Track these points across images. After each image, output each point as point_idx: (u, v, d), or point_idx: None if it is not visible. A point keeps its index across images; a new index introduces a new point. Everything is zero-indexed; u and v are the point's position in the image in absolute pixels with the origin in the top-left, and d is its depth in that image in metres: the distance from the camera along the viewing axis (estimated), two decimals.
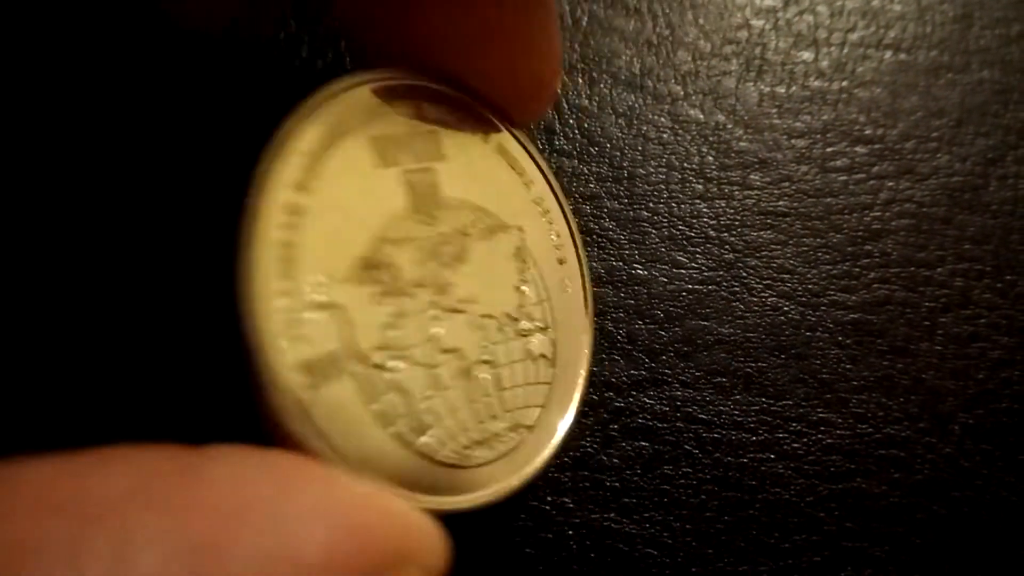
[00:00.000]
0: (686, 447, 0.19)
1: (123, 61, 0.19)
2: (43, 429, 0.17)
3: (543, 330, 0.17)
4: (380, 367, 0.15)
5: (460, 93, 0.17)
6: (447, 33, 0.16)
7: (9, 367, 0.18)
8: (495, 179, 0.18)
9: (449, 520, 0.14)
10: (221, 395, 0.17)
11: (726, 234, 0.20)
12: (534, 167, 0.18)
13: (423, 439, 0.15)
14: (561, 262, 0.18)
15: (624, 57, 0.21)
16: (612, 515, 0.18)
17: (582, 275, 0.18)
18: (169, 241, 0.19)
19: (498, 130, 0.18)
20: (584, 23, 0.22)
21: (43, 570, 0.09)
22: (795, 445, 0.19)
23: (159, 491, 0.10)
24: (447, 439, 0.16)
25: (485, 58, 0.16)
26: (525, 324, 0.17)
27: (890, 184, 0.21)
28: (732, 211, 0.20)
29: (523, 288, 0.17)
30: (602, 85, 0.21)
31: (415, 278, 0.16)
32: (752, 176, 0.21)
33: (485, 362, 0.17)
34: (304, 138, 0.15)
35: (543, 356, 0.17)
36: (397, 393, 0.15)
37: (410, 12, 0.16)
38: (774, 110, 0.21)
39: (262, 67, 0.20)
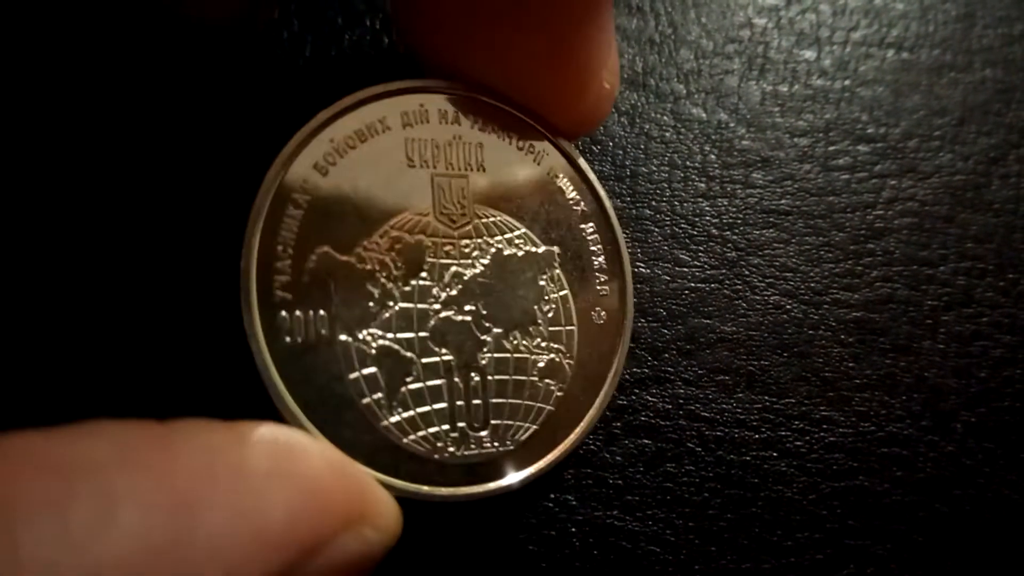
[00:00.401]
0: (689, 445, 0.19)
1: (126, 53, 0.19)
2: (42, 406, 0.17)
3: (560, 354, 0.17)
4: (366, 343, 0.16)
5: (518, 112, 0.18)
6: (502, 54, 0.16)
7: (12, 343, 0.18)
8: (539, 198, 0.18)
9: (413, 507, 0.15)
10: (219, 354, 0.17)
11: (729, 232, 0.20)
12: (589, 195, 0.18)
13: (393, 418, 0.16)
14: (601, 290, 0.18)
15: (627, 56, 0.21)
16: (615, 512, 0.18)
17: (623, 306, 0.18)
18: (174, 221, 0.19)
19: (553, 153, 0.18)
20: None
21: (32, 524, 0.09)
22: (798, 443, 0.19)
23: (138, 456, 0.11)
24: (419, 426, 0.16)
25: (537, 75, 0.16)
26: (538, 343, 0.17)
27: (892, 183, 0.21)
28: (735, 209, 0.20)
29: (543, 308, 0.18)
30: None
31: (420, 269, 0.17)
32: (755, 175, 0.21)
33: (478, 368, 0.17)
34: (337, 127, 0.16)
35: (549, 380, 0.17)
36: (380, 369, 0.16)
37: (466, 37, 0.16)
38: (776, 109, 0.21)
39: (265, 62, 0.20)
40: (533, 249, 0.18)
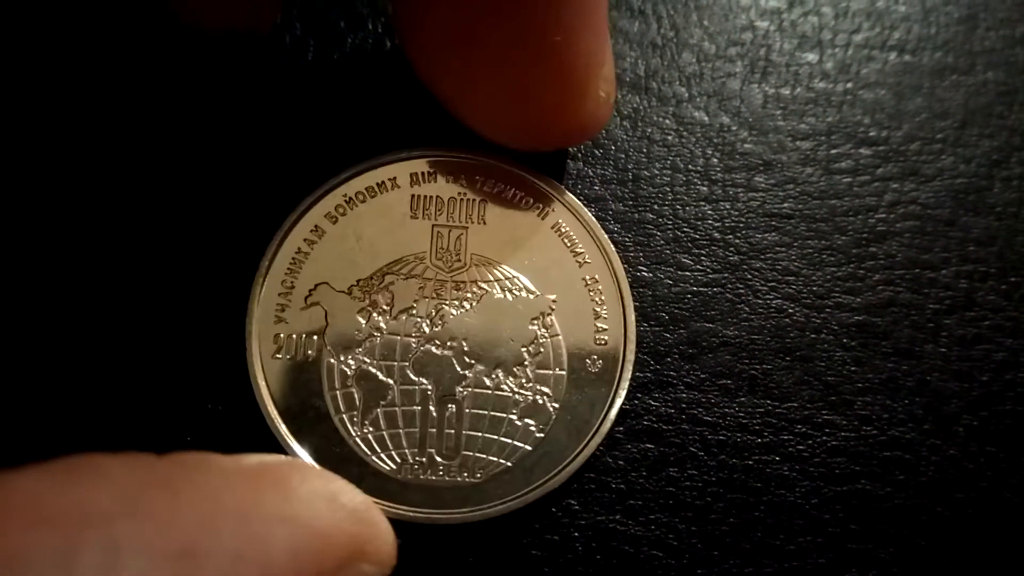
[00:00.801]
0: (691, 449, 0.19)
1: (128, 60, 0.19)
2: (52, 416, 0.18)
3: (544, 396, 0.18)
4: (348, 365, 0.18)
5: (528, 173, 0.19)
6: (498, 64, 0.16)
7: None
8: (540, 251, 0.19)
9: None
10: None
11: (731, 236, 0.20)
12: (595, 247, 0.19)
13: (363, 434, 0.17)
14: (599, 339, 0.18)
15: (629, 59, 0.21)
16: (618, 517, 0.18)
17: (622, 357, 0.18)
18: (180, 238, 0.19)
19: (559, 208, 0.19)
20: None
21: None
22: (800, 447, 0.19)
23: (142, 503, 0.11)
24: (387, 445, 0.17)
25: (533, 84, 0.17)
26: (521, 383, 0.18)
27: (894, 186, 0.21)
28: (737, 213, 0.20)
29: (532, 351, 0.18)
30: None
31: (411, 306, 0.18)
32: (757, 178, 0.21)
33: (455, 400, 0.18)
34: (352, 185, 0.18)
35: (529, 420, 0.18)
36: (357, 390, 0.18)
37: (462, 48, 0.16)
38: (779, 112, 0.21)
39: (268, 66, 0.20)
40: (527, 295, 0.18)
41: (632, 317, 0.19)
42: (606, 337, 0.18)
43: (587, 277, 0.19)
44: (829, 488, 0.19)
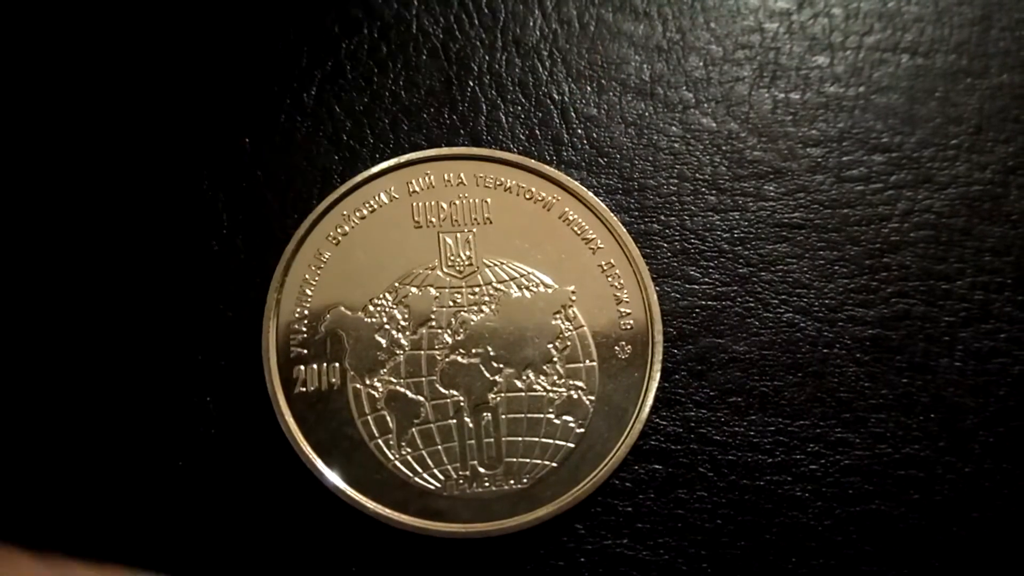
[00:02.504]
0: (700, 470, 0.18)
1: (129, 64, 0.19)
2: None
3: (578, 390, 0.17)
4: (375, 388, 0.17)
5: (525, 167, 0.19)
6: None
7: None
8: (551, 243, 0.18)
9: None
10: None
11: (740, 247, 0.20)
12: (605, 231, 0.18)
13: (402, 457, 0.17)
14: (624, 324, 0.18)
15: (633, 63, 0.21)
16: (625, 541, 0.18)
17: (649, 339, 0.18)
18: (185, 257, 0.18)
19: (563, 198, 0.19)
20: (592, 28, 0.21)
21: None
22: (812, 467, 0.18)
23: None
24: (428, 464, 0.17)
25: None
26: (553, 380, 0.17)
27: (908, 194, 0.20)
28: (746, 223, 0.20)
29: (558, 346, 0.18)
30: (611, 93, 0.20)
31: (427, 318, 0.17)
32: (766, 187, 0.20)
33: (490, 407, 0.17)
34: (348, 203, 0.18)
35: (568, 416, 0.17)
36: (389, 412, 0.17)
37: None
38: (789, 117, 0.21)
39: (261, 72, 0.19)
40: (545, 290, 0.18)
41: (654, 296, 0.18)
42: (631, 321, 0.18)
43: (603, 263, 0.18)
44: (842, 509, 0.18)
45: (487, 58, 0.20)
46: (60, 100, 0.19)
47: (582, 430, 0.17)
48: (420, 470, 0.17)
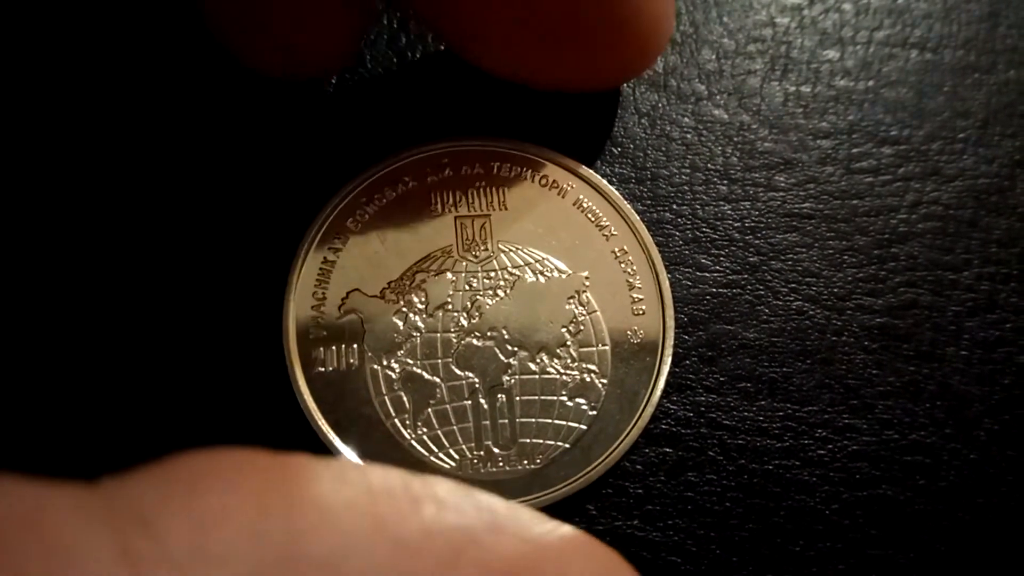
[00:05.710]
0: (710, 453, 0.19)
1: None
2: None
3: (591, 374, 0.18)
4: (392, 369, 0.17)
5: (542, 155, 0.19)
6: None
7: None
8: (565, 230, 0.19)
9: None
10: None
11: (750, 236, 0.20)
12: (619, 218, 0.19)
13: (418, 436, 0.17)
14: (636, 309, 0.18)
15: None
16: (635, 522, 0.18)
17: (662, 323, 0.18)
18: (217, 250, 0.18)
19: (579, 185, 0.19)
20: None
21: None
22: (820, 452, 0.19)
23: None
24: (444, 444, 0.17)
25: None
26: (567, 363, 0.18)
27: (916, 186, 0.21)
28: (757, 213, 0.20)
29: (572, 330, 0.18)
30: (624, 84, 0.21)
31: (444, 302, 0.18)
32: (777, 177, 0.20)
33: (504, 389, 0.18)
34: (369, 187, 0.18)
35: (580, 399, 0.18)
36: (405, 392, 0.17)
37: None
38: (799, 110, 0.21)
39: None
40: (559, 275, 0.18)
41: (666, 283, 0.19)
42: (644, 307, 0.18)
43: (616, 249, 0.19)
44: (849, 493, 0.19)
45: None
46: (83, 89, 0.19)
47: (594, 412, 0.18)
48: (436, 449, 0.17)
